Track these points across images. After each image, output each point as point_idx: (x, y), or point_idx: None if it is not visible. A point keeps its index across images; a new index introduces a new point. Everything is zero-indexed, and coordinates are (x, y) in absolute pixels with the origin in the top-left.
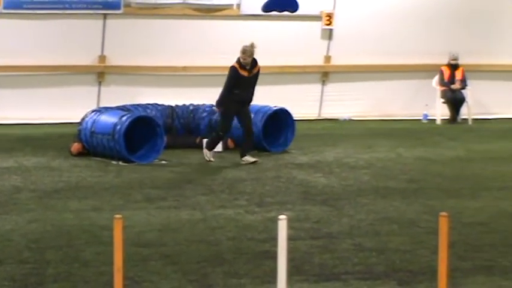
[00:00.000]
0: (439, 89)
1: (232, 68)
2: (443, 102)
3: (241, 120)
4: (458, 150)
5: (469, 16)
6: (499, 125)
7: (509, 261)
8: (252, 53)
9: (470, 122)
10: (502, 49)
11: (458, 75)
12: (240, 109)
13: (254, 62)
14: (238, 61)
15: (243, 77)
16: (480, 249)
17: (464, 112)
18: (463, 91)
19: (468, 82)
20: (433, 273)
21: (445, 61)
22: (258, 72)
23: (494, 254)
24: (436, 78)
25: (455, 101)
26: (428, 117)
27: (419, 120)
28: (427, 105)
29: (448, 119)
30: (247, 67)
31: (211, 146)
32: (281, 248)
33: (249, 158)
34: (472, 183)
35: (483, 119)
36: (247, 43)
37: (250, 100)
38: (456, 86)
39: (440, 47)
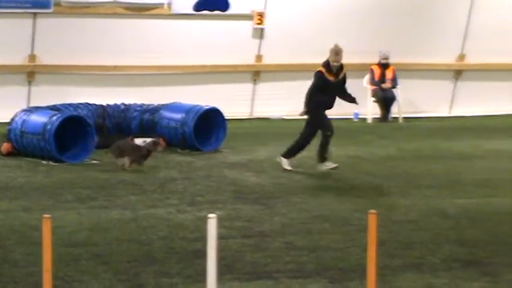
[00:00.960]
0: (369, 88)
1: (318, 73)
2: (374, 101)
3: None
4: (389, 149)
5: (400, 15)
6: (429, 123)
7: (438, 258)
8: (341, 55)
9: (400, 121)
10: (432, 48)
11: (388, 74)
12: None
13: (340, 65)
14: (325, 65)
15: (330, 82)
16: (410, 247)
17: (395, 111)
18: (393, 90)
19: (398, 81)
20: (363, 271)
21: (376, 60)
22: (344, 76)
23: (424, 251)
24: (367, 77)
25: (385, 99)
26: (360, 116)
27: (351, 119)
28: (358, 104)
29: (378, 118)
30: (334, 71)
31: (291, 154)
32: (211, 246)
33: (331, 164)
34: (403, 181)
35: (413, 117)
36: (332, 44)
37: (333, 105)
38: (387, 85)
39: (370, 46)
